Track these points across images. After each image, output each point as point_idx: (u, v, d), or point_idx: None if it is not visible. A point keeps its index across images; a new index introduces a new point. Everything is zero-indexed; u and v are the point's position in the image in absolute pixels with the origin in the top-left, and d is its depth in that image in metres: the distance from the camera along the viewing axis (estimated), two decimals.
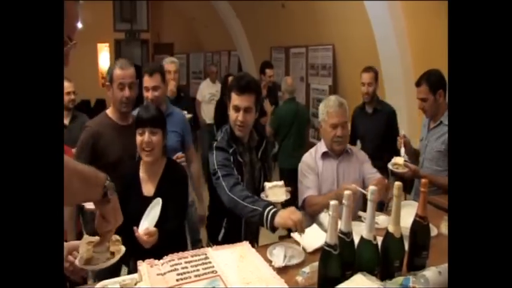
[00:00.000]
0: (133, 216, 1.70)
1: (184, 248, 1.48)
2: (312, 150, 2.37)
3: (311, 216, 2.17)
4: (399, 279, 1.30)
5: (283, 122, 3.97)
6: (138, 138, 1.86)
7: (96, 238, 1.18)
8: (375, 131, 3.38)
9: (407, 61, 5.34)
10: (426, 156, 2.56)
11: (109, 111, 2.30)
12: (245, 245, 1.54)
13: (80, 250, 1.18)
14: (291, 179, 4.05)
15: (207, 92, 5.83)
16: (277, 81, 7.14)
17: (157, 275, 1.29)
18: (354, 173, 2.28)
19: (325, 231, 1.77)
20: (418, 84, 2.48)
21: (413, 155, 2.67)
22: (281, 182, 1.95)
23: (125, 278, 1.40)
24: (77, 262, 1.17)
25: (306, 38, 6.57)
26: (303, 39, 6.62)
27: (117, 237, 1.23)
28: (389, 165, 2.43)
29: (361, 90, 3.55)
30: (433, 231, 1.71)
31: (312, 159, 2.32)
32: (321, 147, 2.32)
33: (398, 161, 2.40)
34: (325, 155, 2.30)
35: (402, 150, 2.51)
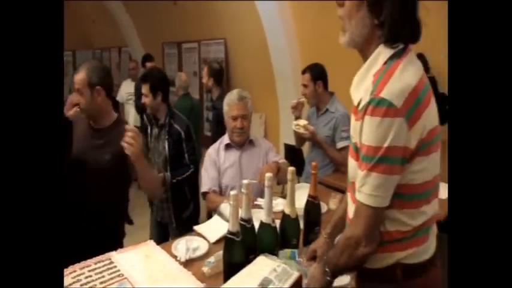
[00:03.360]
0: None
1: None
2: (217, 142, 2.44)
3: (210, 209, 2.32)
4: (287, 251, 1.42)
5: None
6: None
7: None
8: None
9: (295, 55, 5.68)
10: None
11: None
12: (150, 244, 1.54)
13: None
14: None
15: (125, 91, 5.48)
16: (171, 76, 7.04)
17: None
18: (258, 162, 2.36)
19: (227, 221, 1.86)
20: (303, 72, 2.79)
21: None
22: None
23: None
24: None
25: (198, 32, 6.57)
26: (195, 34, 6.61)
27: None
28: (292, 126, 2.64)
29: None
30: (323, 208, 1.90)
31: (215, 151, 2.39)
32: (225, 139, 2.40)
33: (300, 123, 2.62)
34: (228, 146, 2.38)
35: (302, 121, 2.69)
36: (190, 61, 6.62)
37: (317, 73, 2.72)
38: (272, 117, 6.10)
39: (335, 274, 1.12)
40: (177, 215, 2.66)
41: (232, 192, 1.29)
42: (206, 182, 2.32)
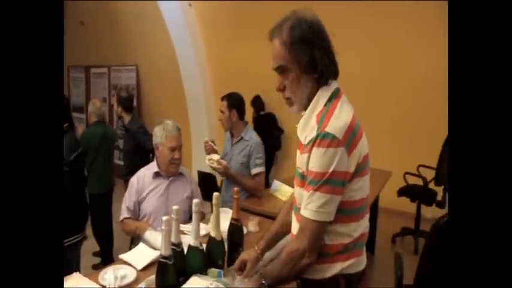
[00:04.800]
0: None
1: None
2: (142, 171, 2.44)
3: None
4: (214, 271, 1.53)
5: (91, 146, 3.81)
6: None
7: None
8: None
9: (207, 81, 5.85)
10: (231, 168, 2.95)
11: None
12: (75, 275, 1.53)
13: None
14: (101, 204, 3.93)
15: None
16: (77, 102, 6.73)
17: None
18: (184, 191, 2.43)
19: (152, 247, 1.90)
20: (222, 99, 2.96)
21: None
22: None
23: None
24: None
25: (108, 57, 6.43)
26: (104, 59, 6.45)
27: None
28: (206, 160, 2.74)
29: None
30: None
31: (140, 179, 2.39)
32: (153, 167, 2.41)
33: (213, 157, 2.74)
34: (156, 175, 2.39)
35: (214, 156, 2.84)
36: (100, 87, 6.43)
37: (233, 102, 2.91)
38: (184, 144, 6.13)
39: (272, 286, 1.26)
40: None
41: (164, 218, 1.36)
42: (124, 212, 2.33)
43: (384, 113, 4.76)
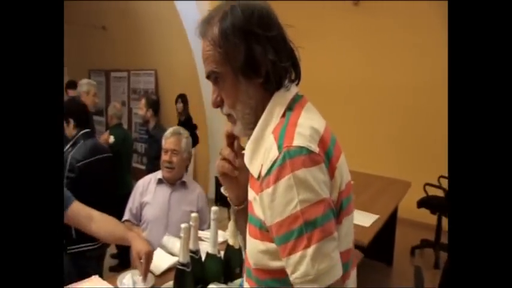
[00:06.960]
0: None
1: None
2: (150, 175, 2.44)
3: None
4: (238, 281, 1.52)
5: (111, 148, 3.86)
6: None
7: None
8: None
9: None
10: None
11: None
12: (94, 279, 1.54)
13: None
14: (124, 205, 3.97)
15: None
16: (101, 105, 6.84)
17: None
18: (186, 204, 2.31)
19: (169, 253, 1.90)
20: None
21: None
22: None
23: None
24: None
25: (128, 62, 6.52)
26: (124, 63, 6.55)
27: None
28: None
29: None
30: None
31: (144, 185, 2.38)
32: (158, 174, 2.39)
33: None
34: (160, 182, 2.35)
35: None
36: (119, 91, 6.52)
37: None
38: (202, 151, 6.16)
39: None
40: None
41: (182, 226, 1.37)
42: (126, 213, 2.35)
43: (404, 122, 4.69)
